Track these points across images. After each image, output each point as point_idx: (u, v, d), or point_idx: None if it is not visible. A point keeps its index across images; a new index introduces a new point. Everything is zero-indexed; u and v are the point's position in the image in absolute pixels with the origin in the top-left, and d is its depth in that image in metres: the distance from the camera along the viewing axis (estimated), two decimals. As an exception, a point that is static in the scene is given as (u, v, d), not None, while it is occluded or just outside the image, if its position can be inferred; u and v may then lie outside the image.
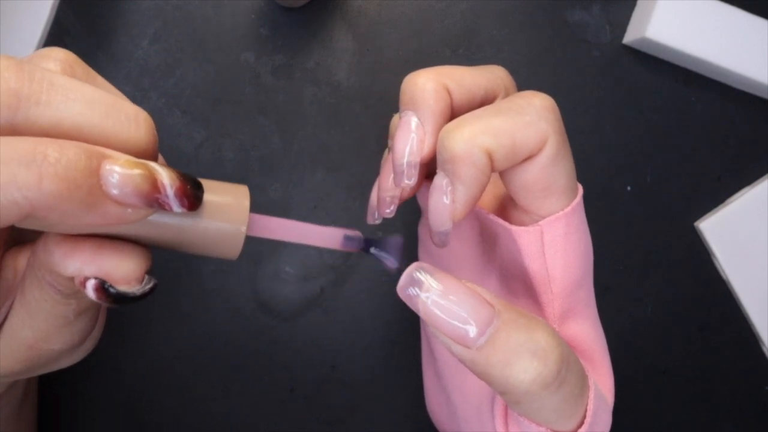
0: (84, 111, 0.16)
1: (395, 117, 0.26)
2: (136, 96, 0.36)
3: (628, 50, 0.39)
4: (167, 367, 0.37)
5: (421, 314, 0.19)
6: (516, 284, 0.25)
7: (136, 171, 0.16)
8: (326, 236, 0.20)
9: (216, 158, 0.37)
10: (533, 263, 0.23)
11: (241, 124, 0.37)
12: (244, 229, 0.18)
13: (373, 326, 0.38)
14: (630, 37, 0.38)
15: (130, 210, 0.16)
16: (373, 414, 0.38)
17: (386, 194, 0.24)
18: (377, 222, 0.25)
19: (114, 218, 0.16)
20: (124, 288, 0.18)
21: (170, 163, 0.40)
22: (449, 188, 0.21)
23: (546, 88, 0.38)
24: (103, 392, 0.37)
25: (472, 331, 0.18)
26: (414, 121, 0.22)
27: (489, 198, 0.27)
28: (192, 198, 0.17)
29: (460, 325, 0.18)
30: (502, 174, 0.23)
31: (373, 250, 0.21)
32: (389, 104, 0.37)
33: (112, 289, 0.17)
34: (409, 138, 0.22)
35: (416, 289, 0.19)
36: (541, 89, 0.38)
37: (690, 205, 0.39)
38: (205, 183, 0.18)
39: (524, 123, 0.21)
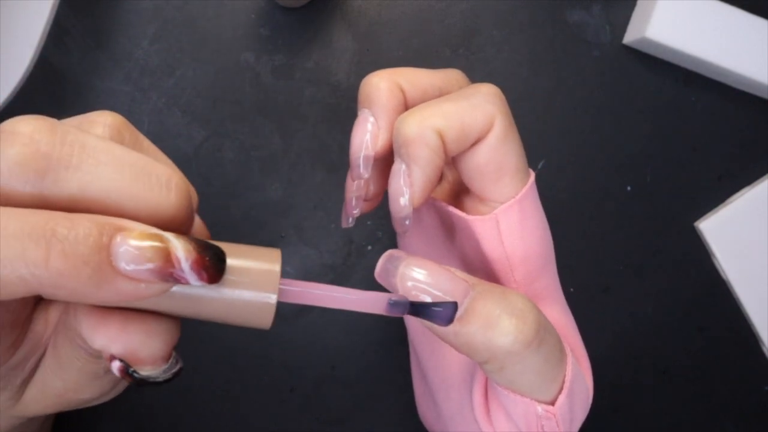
0: (112, 175, 0.16)
1: None
2: (136, 96, 0.36)
3: (628, 50, 0.39)
4: (167, 367, 0.37)
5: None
6: (479, 276, 0.26)
7: (148, 244, 0.15)
8: (369, 302, 0.19)
9: (216, 158, 0.37)
10: (493, 252, 0.24)
11: (241, 124, 0.37)
12: (273, 300, 0.17)
13: (372, 326, 0.38)
14: (630, 37, 0.38)
15: (143, 285, 0.15)
16: (372, 414, 0.38)
17: (351, 195, 0.25)
18: (351, 225, 0.26)
19: (127, 294, 0.15)
20: (148, 371, 0.17)
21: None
22: (406, 173, 0.22)
23: (546, 88, 0.38)
24: (103, 392, 0.37)
25: None
26: (369, 118, 0.23)
27: (445, 192, 0.28)
28: (211, 270, 0.16)
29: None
30: (456, 161, 0.24)
31: (424, 315, 0.20)
32: (389, 104, 0.37)
33: (137, 375, 0.17)
34: (365, 133, 0.23)
35: (392, 273, 0.20)
36: (541, 89, 0.38)
37: (690, 205, 0.39)
38: (232, 248, 0.17)
39: (471, 106, 0.22)
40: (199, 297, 0.17)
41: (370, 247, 0.38)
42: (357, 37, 0.37)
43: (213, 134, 0.37)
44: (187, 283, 0.16)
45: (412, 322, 0.30)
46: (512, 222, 0.23)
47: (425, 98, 0.24)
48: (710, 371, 0.39)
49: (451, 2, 0.38)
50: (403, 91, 0.24)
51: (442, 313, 0.19)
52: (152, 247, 0.15)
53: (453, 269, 0.20)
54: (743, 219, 0.38)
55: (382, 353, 0.38)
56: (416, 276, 0.20)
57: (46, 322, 0.20)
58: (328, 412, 0.38)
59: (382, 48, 0.37)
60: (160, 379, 0.18)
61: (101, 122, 0.18)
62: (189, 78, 0.37)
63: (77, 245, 0.14)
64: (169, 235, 0.16)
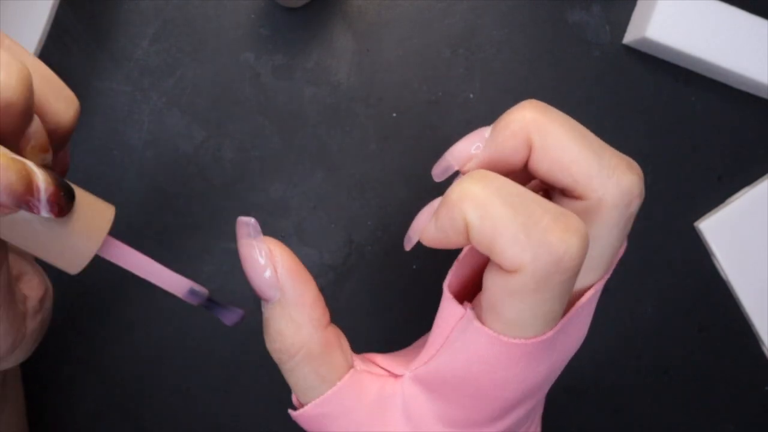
0: None
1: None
2: (136, 96, 0.36)
3: (628, 50, 0.39)
4: (167, 367, 0.37)
5: (240, 252, 0.21)
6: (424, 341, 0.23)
7: (12, 169, 0.15)
8: (173, 282, 0.21)
9: (216, 158, 0.37)
10: (436, 330, 0.21)
11: (241, 124, 0.37)
12: (93, 251, 0.18)
13: (372, 326, 0.38)
14: (630, 37, 0.38)
15: None
16: (373, 414, 0.38)
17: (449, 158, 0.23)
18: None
19: None
20: None
21: (170, 164, 0.41)
22: (432, 213, 0.19)
23: (546, 88, 0.38)
24: (103, 393, 0.37)
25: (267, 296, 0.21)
26: (480, 139, 0.20)
27: None
28: (62, 206, 0.16)
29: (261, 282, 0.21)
30: None
31: (214, 311, 0.22)
32: (389, 104, 0.37)
33: None
34: (465, 148, 0.21)
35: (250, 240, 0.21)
36: (541, 89, 0.38)
37: (690, 205, 0.39)
38: (76, 191, 0.18)
39: (513, 238, 0.17)
40: (32, 226, 0.17)
41: (370, 247, 0.38)
42: (357, 37, 0.37)
43: (213, 134, 0.37)
44: (38, 212, 0.16)
45: None
46: (466, 332, 0.19)
47: (549, 174, 0.19)
48: (710, 371, 0.39)
49: (451, 2, 0.38)
50: (530, 150, 0.19)
51: (227, 315, 0.21)
52: (17, 172, 0.15)
53: (292, 265, 0.21)
54: (743, 219, 0.38)
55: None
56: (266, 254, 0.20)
57: None
58: (328, 412, 0.38)
59: (382, 48, 0.37)
60: None
61: None
62: (189, 78, 0.37)
63: None
64: (32, 164, 0.15)
